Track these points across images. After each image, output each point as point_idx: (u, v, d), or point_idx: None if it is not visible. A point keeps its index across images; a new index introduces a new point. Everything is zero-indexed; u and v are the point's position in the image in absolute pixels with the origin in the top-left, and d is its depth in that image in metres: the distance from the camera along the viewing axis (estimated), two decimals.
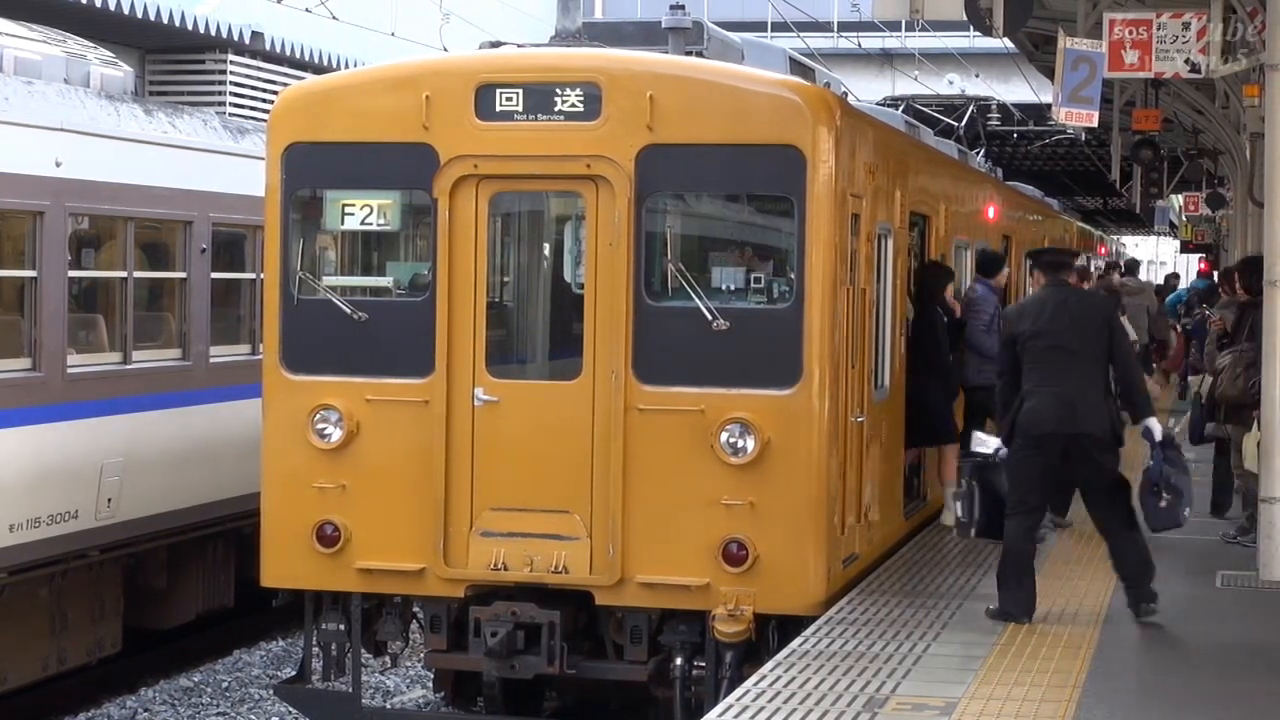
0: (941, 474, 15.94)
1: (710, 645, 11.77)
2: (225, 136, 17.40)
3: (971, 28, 16.63)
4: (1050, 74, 18.50)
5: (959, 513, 12.69)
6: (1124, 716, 9.41)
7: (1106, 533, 11.99)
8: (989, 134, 27.50)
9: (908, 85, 39.20)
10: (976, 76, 43.09)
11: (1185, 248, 54.85)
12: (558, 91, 12.02)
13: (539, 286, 12.72)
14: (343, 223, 12.66)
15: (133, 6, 19.10)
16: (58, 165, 14.51)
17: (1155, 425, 11.83)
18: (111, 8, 18.90)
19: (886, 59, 46.46)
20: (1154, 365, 28.55)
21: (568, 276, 12.63)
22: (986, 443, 12.06)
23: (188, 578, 17.07)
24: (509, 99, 12.08)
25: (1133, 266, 33.19)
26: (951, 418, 15.79)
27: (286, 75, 19.50)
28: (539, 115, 12.04)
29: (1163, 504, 11.73)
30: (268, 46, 21.02)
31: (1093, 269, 28.70)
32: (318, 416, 12.29)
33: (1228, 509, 16.33)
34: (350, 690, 12.76)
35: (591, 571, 11.94)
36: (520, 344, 12.75)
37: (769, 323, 11.90)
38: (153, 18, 19.45)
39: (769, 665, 10.44)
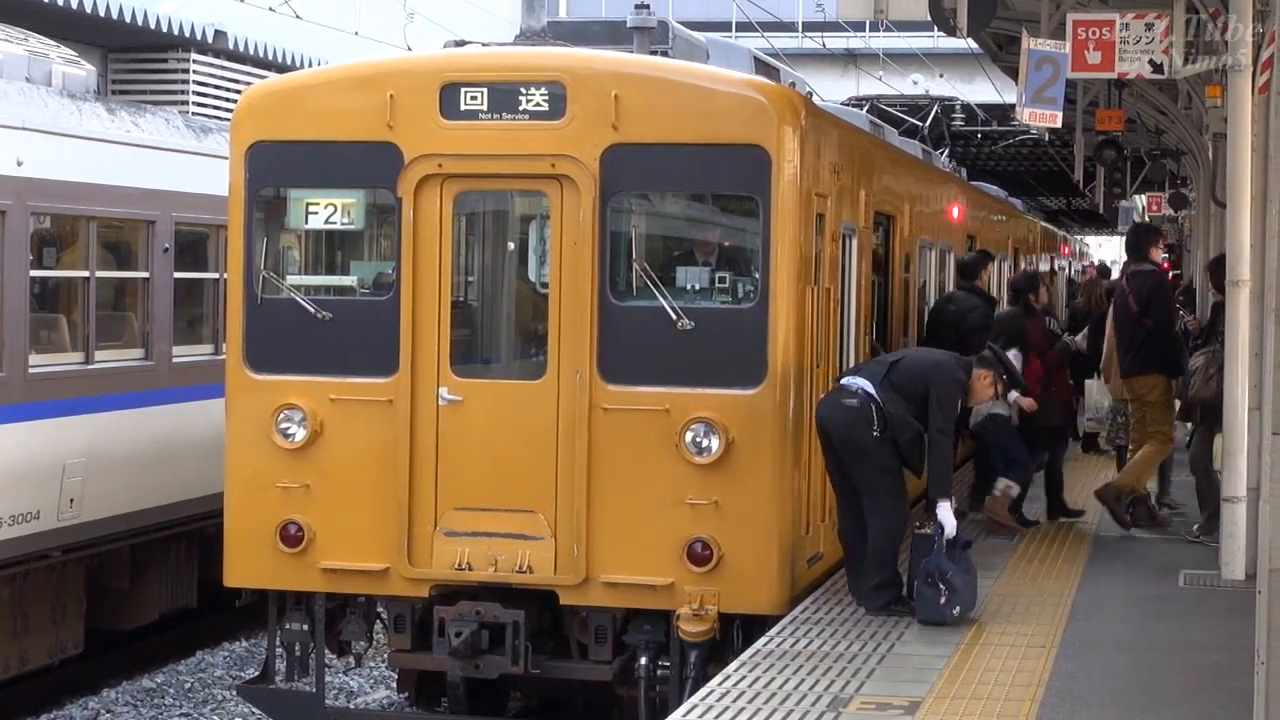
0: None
1: (675, 645, 11.76)
2: (188, 135, 17.32)
3: (936, 28, 16.65)
4: (1014, 74, 18.54)
5: None
6: (1087, 715, 9.44)
7: (867, 531, 11.86)
8: (953, 134, 27.56)
9: (872, 85, 39.27)
10: (941, 77, 43.21)
11: None
12: (522, 91, 12.00)
13: (503, 286, 12.69)
14: (306, 222, 12.62)
15: (95, 5, 19.01)
16: (19, 164, 14.43)
17: (945, 517, 11.48)
18: (74, 6, 18.81)
19: (851, 59, 46.53)
20: None
21: (532, 276, 12.60)
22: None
23: (150, 578, 17.00)
24: (474, 98, 12.06)
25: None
26: None
27: (250, 74, 19.43)
28: (503, 114, 12.01)
29: (940, 599, 11.39)
30: (231, 45, 20.95)
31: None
32: (281, 416, 12.26)
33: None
34: (314, 690, 12.72)
35: (556, 571, 11.92)
36: (485, 343, 12.72)
37: (733, 322, 11.89)
38: (115, 16, 19.35)
39: (733, 665, 10.44)
